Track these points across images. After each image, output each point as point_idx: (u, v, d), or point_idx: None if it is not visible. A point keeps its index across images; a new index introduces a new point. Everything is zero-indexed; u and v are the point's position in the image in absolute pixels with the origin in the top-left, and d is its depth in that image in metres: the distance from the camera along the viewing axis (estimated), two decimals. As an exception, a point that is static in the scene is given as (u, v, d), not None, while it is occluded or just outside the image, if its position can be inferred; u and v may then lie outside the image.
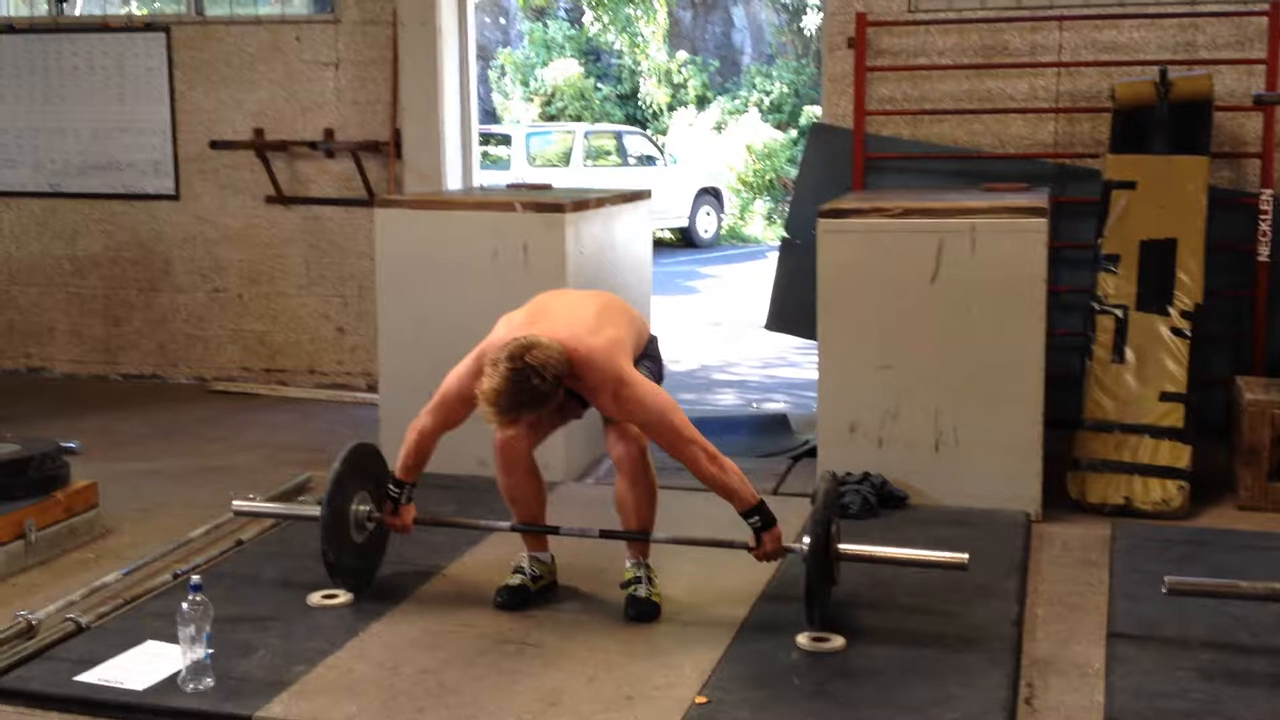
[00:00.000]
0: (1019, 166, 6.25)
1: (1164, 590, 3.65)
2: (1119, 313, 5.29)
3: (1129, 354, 5.24)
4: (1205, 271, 5.30)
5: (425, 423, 3.99)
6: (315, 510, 4.13)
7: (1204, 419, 5.32)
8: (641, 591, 4.01)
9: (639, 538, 4.04)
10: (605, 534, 4.10)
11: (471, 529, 4.43)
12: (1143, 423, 5.15)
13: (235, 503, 4.53)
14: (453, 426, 4.00)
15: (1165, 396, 5.17)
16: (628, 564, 4.09)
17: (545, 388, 3.61)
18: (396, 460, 4.09)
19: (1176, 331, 5.23)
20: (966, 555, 3.87)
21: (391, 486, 4.11)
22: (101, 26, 7.68)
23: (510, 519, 4.21)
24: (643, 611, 3.96)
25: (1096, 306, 5.33)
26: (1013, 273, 4.96)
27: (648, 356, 4.13)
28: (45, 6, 7.89)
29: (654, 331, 4.35)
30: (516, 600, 4.06)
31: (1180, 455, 5.07)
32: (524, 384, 3.58)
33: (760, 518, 3.84)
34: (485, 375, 3.63)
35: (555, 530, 4.14)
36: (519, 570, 4.15)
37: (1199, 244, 5.31)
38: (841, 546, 3.87)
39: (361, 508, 4.14)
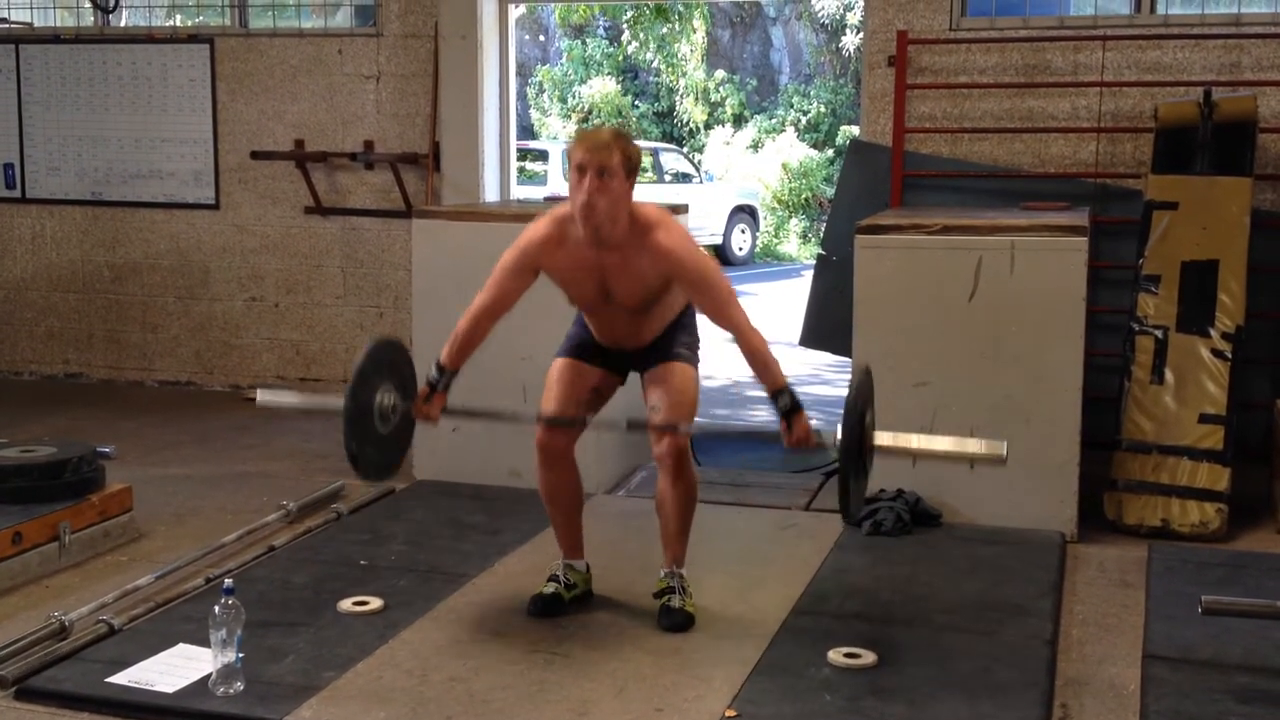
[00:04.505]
0: (1059, 186, 6.21)
1: (1200, 610, 3.61)
2: (1159, 333, 5.24)
3: (1168, 375, 5.19)
4: (1247, 293, 5.25)
5: (477, 301, 3.99)
6: (339, 403, 3.95)
7: (1244, 442, 5.27)
8: (675, 602, 3.98)
9: (668, 428, 3.90)
10: (632, 425, 3.96)
11: (498, 419, 4.46)
12: (1181, 444, 5.09)
13: (260, 392, 4.52)
14: (505, 303, 3.98)
15: (1205, 418, 5.11)
16: (662, 573, 4.07)
17: (635, 148, 3.77)
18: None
19: (1217, 353, 5.17)
20: (1005, 444, 3.74)
21: (432, 370, 4.02)
22: (146, 38, 7.76)
23: (546, 523, 4.19)
24: (676, 623, 3.93)
25: (1136, 327, 5.29)
26: (1052, 292, 4.92)
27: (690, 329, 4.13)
28: (91, 18, 7.98)
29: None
30: (551, 609, 4.05)
31: (1219, 478, 5.01)
32: (620, 133, 3.79)
33: (789, 398, 3.74)
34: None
35: (582, 423, 4.05)
36: (553, 579, 4.14)
37: (1241, 265, 5.26)
38: (877, 435, 3.77)
39: (386, 399, 4.00)
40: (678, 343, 4.06)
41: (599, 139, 3.75)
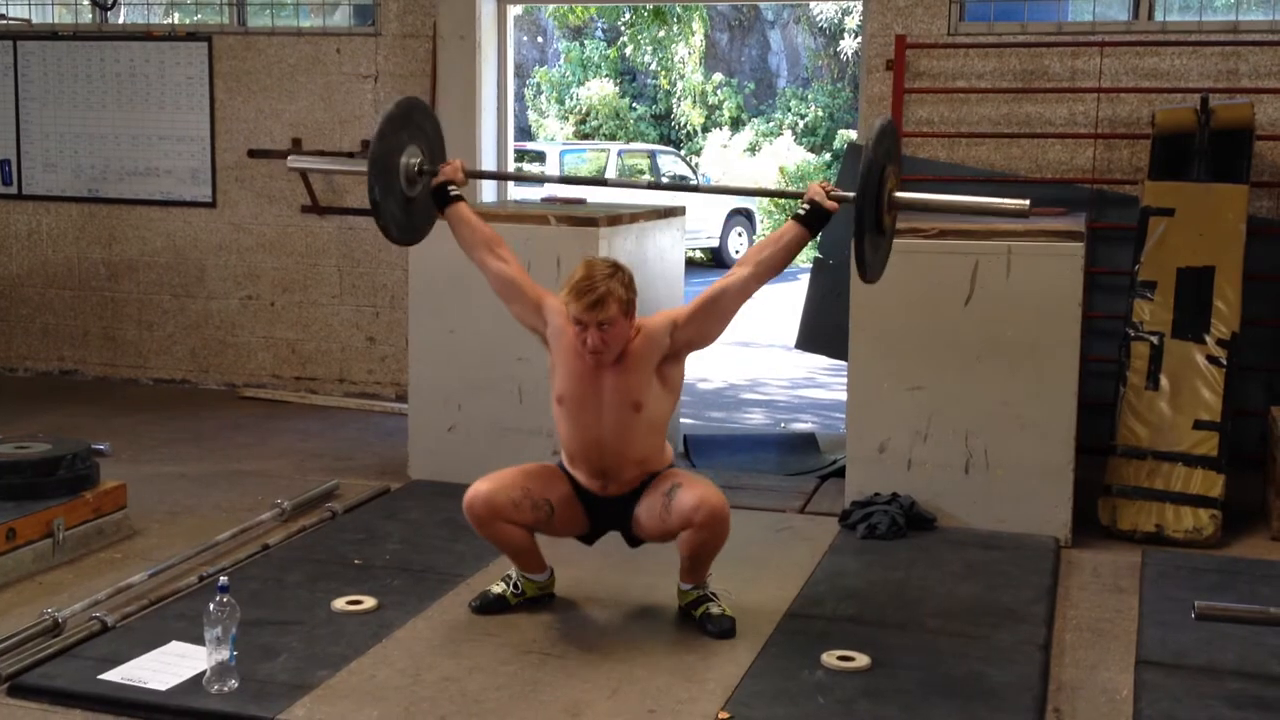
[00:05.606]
0: (1056, 191, 6.22)
1: (1193, 614, 3.61)
2: (1154, 339, 5.25)
3: (1164, 381, 5.20)
4: (1242, 300, 5.26)
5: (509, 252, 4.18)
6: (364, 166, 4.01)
7: (1238, 449, 5.28)
8: (715, 609, 3.95)
9: (686, 188, 3.95)
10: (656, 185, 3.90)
11: (523, 180, 4.43)
12: (1176, 450, 5.10)
13: (291, 159, 4.80)
14: (511, 274, 4.10)
15: (1199, 425, 5.11)
16: (686, 587, 4.01)
17: (628, 287, 3.78)
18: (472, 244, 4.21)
19: (1212, 360, 5.18)
20: (1028, 201, 3.82)
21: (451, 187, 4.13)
22: (145, 36, 7.75)
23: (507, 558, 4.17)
24: (725, 628, 3.89)
25: (1132, 333, 5.29)
26: (1048, 297, 4.93)
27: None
28: (90, 15, 7.97)
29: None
30: (491, 608, 4.05)
31: (1213, 484, 5.02)
32: (611, 274, 3.76)
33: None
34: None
35: (604, 182, 4.10)
36: (505, 580, 4.13)
37: (1237, 272, 5.26)
38: (898, 195, 3.81)
39: (412, 160, 4.06)
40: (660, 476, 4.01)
41: (594, 296, 3.71)
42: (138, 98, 7.72)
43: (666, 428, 4.06)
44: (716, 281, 3.92)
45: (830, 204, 3.83)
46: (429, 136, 4.18)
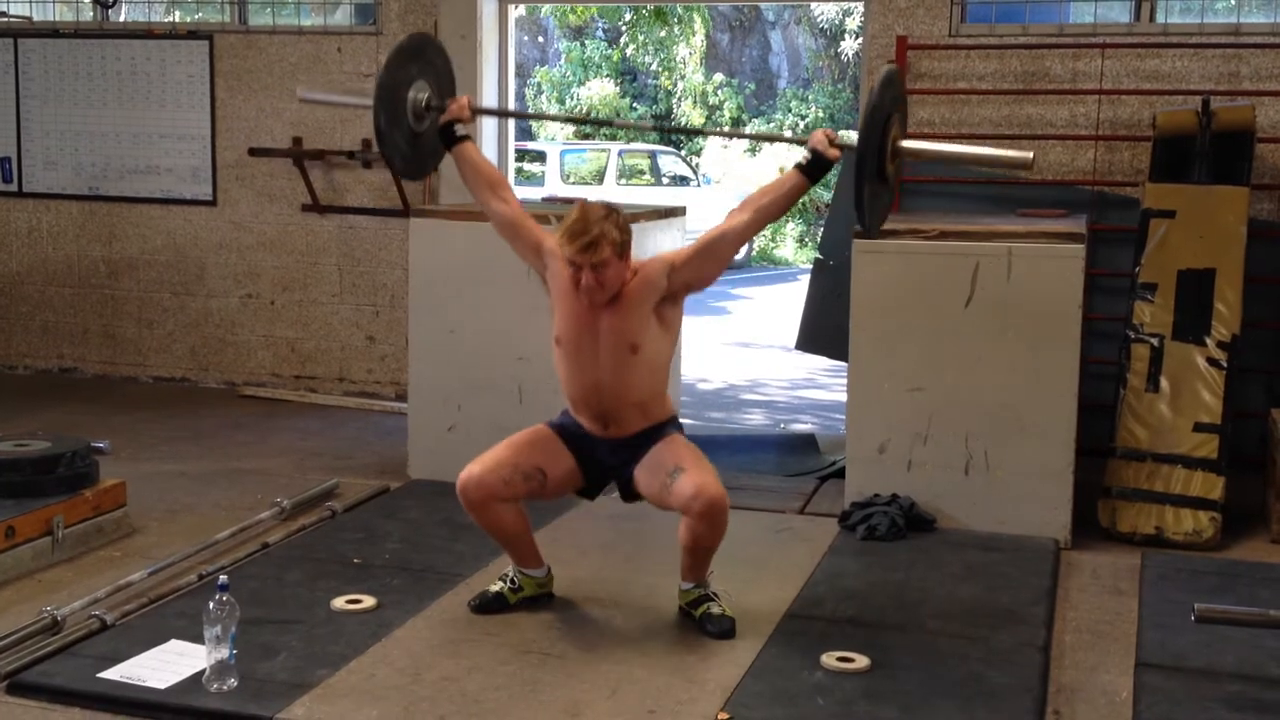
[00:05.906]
0: (1057, 193, 6.22)
1: (1193, 617, 3.61)
2: (1155, 342, 5.25)
3: (1164, 383, 5.20)
4: (1243, 303, 5.26)
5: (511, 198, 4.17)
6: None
7: (1238, 452, 5.27)
8: (716, 609, 3.95)
9: (690, 131, 3.99)
10: (659, 127, 4.07)
11: (526, 118, 4.50)
12: (1176, 453, 5.10)
13: (300, 90, 4.77)
14: (512, 213, 4.10)
15: (1199, 427, 5.11)
16: (687, 586, 4.01)
17: (621, 229, 3.77)
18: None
19: (1212, 362, 5.18)
20: (1031, 154, 3.84)
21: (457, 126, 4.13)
22: (146, 34, 7.75)
23: (541, 523, 4.18)
24: (725, 628, 3.89)
25: (1132, 335, 5.29)
26: (1048, 298, 4.93)
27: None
28: (91, 13, 7.97)
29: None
30: (490, 607, 4.05)
31: (1213, 487, 5.02)
32: (605, 215, 3.76)
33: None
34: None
35: (609, 123, 4.14)
36: (503, 578, 4.14)
37: (1237, 275, 5.26)
38: (904, 144, 3.80)
39: (420, 95, 4.07)
40: (665, 430, 4.01)
41: (587, 238, 3.71)
42: (138, 96, 7.72)
43: (666, 371, 4.05)
44: (716, 225, 3.94)
45: (833, 152, 3.82)
46: (439, 73, 4.19)
